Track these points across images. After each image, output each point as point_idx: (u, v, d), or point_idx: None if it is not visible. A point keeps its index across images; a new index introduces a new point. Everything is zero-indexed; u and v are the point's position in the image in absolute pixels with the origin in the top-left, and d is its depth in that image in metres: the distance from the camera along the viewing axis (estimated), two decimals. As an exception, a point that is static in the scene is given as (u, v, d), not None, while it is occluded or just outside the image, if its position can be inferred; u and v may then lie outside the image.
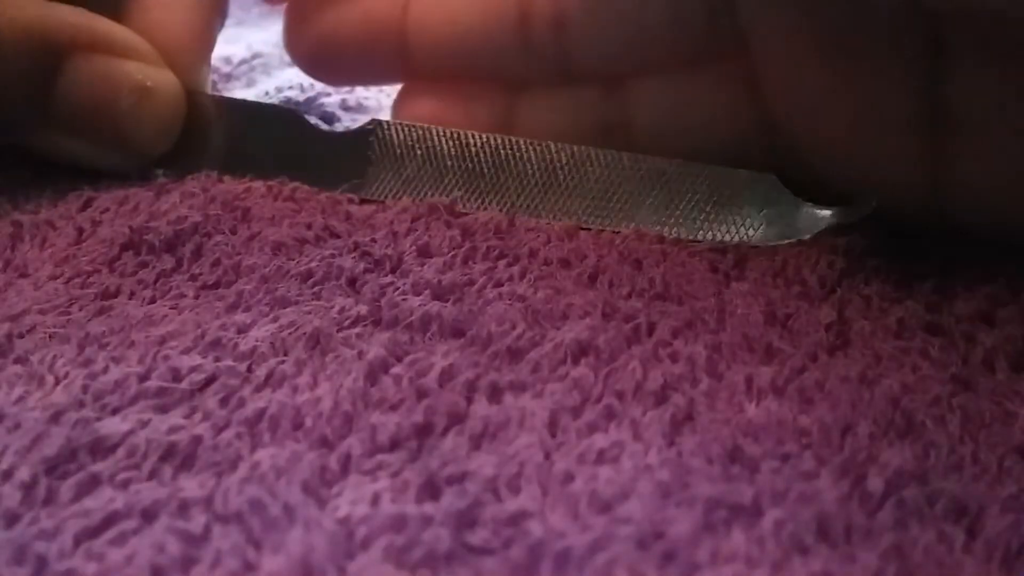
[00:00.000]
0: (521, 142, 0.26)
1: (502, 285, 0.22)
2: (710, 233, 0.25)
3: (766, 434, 0.18)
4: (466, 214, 0.25)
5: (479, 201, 0.26)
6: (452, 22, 0.28)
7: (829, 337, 0.21)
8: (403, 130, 0.27)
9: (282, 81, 0.38)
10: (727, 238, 0.24)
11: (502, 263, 0.23)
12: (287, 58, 0.31)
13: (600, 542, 0.15)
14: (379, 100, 0.36)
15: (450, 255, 0.23)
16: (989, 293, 0.23)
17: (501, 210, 0.26)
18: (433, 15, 0.28)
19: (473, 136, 0.26)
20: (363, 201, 0.26)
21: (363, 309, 0.21)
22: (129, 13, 0.27)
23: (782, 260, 0.24)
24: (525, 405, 0.18)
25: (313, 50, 0.30)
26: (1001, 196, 0.23)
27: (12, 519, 0.16)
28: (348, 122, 0.35)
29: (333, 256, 0.23)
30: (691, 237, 0.25)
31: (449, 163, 0.26)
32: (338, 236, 0.24)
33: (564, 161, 0.26)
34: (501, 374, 0.19)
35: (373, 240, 0.24)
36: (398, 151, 0.27)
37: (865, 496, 0.17)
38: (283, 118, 0.28)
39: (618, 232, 0.25)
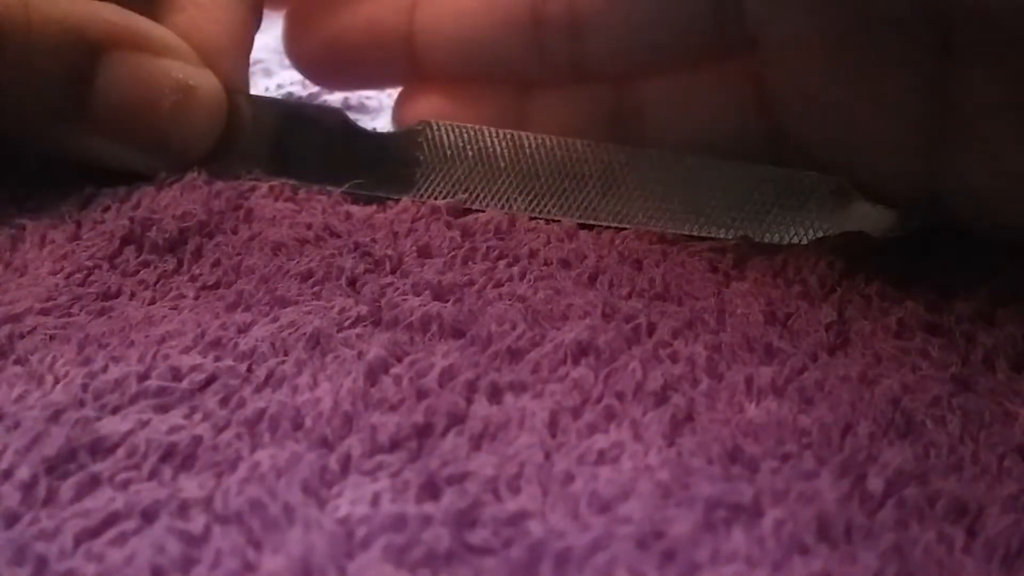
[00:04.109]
0: (578, 143, 0.26)
1: (502, 285, 0.22)
2: (776, 236, 0.24)
3: (766, 434, 0.18)
4: (466, 214, 0.25)
5: (535, 204, 0.25)
6: (463, 26, 0.28)
7: (829, 337, 0.21)
8: (454, 131, 0.26)
9: (283, 79, 0.38)
10: (794, 240, 0.24)
11: (502, 263, 0.23)
12: (287, 62, 0.31)
13: (600, 542, 0.15)
14: (380, 100, 0.36)
15: (450, 255, 0.23)
16: (989, 293, 0.23)
17: (562, 214, 0.25)
18: (443, 19, 0.28)
19: (528, 137, 0.26)
20: (364, 201, 0.26)
21: (363, 309, 0.21)
22: (165, 13, 0.26)
23: (782, 260, 0.24)
24: (525, 405, 0.18)
25: (316, 56, 0.29)
26: (1003, 196, 0.23)
27: (12, 519, 0.16)
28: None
29: (333, 256, 0.23)
30: (756, 239, 0.24)
31: (503, 164, 0.26)
32: (338, 236, 0.24)
33: (623, 163, 0.25)
34: (501, 374, 0.19)
35: (373, 240, 0.24)
36: (449, 152, 0.26)
37: (865, 496, 0.17)
38: (326, 118, 0.27)
39: (618, 231, 0.25)
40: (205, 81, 0.26)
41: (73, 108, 0.25)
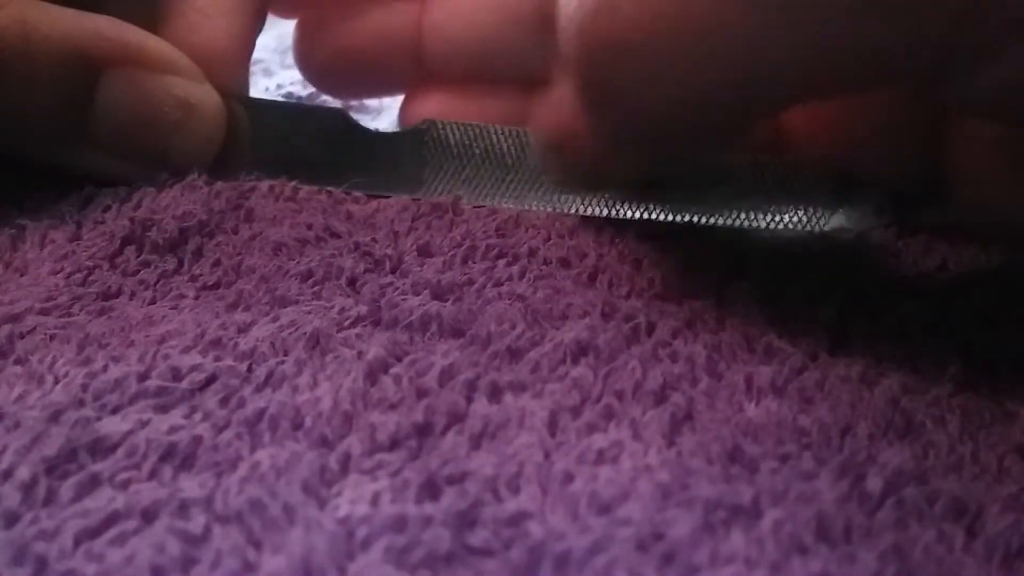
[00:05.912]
0: None
1: (502, 285, 0.22)
2: (778, 224, 0.24)
3: (766, 434, 0.18)
4: (466, 212, 0.25)
5: (543, 201, 0.25)
6: (471, 29, 0.28)
7: (829, 337, 0.21)
8: (459, 129, 0.26)
9: (283, 79, 0.38)
10: (800, 228, 0.24)
11: (502, 262, 0.23)
12: (287, 61, 0.31)
13: (600, 543, 0.15)
14: (381, 100, 0.36)
15: (450, 254, 0.23)
16: (989, 293, 0.23)
17: (568, 211, 0.25)
18: (450, 21, 0.28)
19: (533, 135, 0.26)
20: (365, 200, 0.26)
21: (363, 309, 0.21)
22: (167, 18, 0.26)
23: (781, 259, 0.24)
24: (525, 405, 0.18)
25: (327, 66, 0.30)
26: (1004, 195, 0.23)
27: (12, 519, 0.16)
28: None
29: (333, 256, 0.23)
30: (762, 226, 0.24)
31: (510, 162, 0.26)
32: (338, 236, 0.24)
33: None
34: (501, 374, 0.19)
35: (373, 240, 0.24)
36: (455, 151, 0.26)
37: (865, 496, 0.17)
38: (329, 120, 0.27)
39: (619, 230, 0.25)
40: (206, 97, 0.26)
41: (74, 126, 0.25)
